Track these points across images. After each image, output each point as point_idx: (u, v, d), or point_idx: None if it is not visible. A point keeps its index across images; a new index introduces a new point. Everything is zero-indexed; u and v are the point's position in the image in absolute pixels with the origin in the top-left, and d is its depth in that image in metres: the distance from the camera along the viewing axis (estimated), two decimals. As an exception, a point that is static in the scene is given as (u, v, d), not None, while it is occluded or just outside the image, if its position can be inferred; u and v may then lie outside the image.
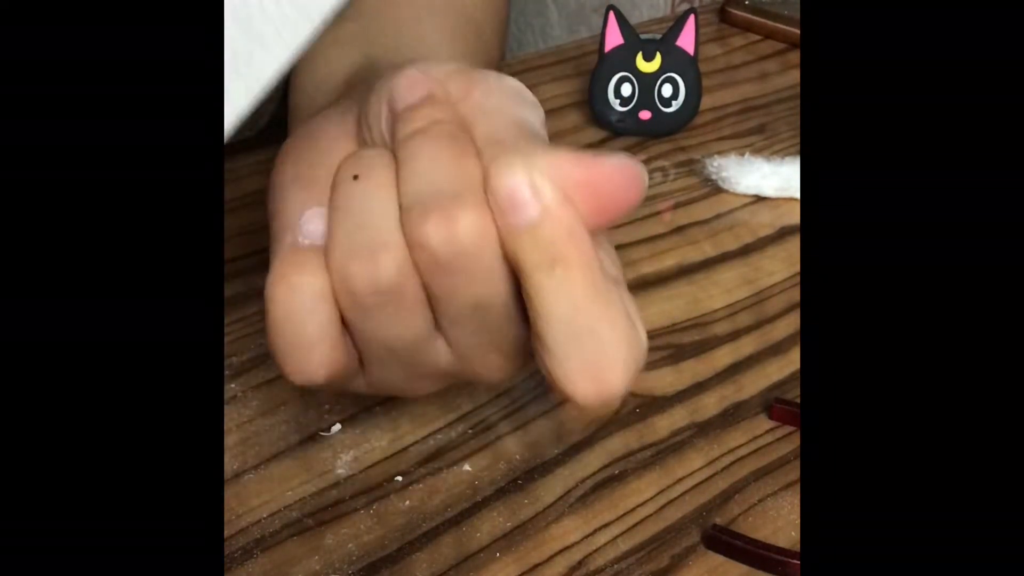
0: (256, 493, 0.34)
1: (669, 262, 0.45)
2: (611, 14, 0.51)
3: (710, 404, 0.38)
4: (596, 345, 0.24)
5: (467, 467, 0.35)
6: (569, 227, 0.24)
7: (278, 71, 0.23)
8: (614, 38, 0.52)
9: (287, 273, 0.25)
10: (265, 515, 0.33)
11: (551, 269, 0.24)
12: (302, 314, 0.25)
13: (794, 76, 0.60)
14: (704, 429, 0.37)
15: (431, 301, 0.26)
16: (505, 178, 0.24)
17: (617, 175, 0.24)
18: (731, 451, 0.36)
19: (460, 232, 0.24)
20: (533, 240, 0.24)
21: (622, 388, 0.25)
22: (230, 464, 0.34)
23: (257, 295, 0.41)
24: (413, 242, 0.25)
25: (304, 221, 0.26)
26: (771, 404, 0.38)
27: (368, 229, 0.25)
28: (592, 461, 0.36)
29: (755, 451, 0.36)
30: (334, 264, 0.25)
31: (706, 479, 0.35)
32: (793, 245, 0.46)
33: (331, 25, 0.37)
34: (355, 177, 0.26)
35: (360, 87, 0.31)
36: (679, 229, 0.47)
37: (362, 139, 0.29)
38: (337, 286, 0.25)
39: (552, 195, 0.24)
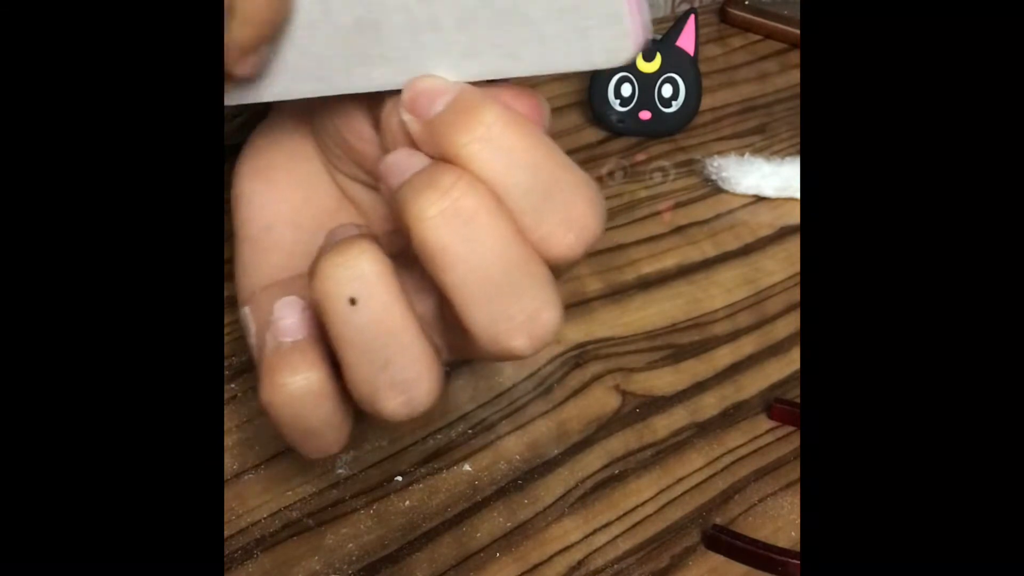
0: (256, 493, 0.34)
1: (669, 262, 0.45)
2: (611, 14, 0.51)
3: (710, 404, 0.38)
4: (567, 192, 0.23)
5: (467, 467, 0.35)
6: (482, 95, 0.23)
7: None
8: (614, 38, 0.52)
9: (279, 380, 0.24)
10: (265, 515, 0.33)
11: (489, 137, 0.22)
12: (305, 413, 0.25)
13: (794, 76, 0.60)
14: (704, 429, 0.37)
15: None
16: (413, 84, 0.24)
17: (517, 98, 0.24)
18: (731, 451, 0.36)
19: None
20: (458, 117, 0.23)
21: (599, 231, 0.23)
22: (230, 464, 0.34)
23: (257, 295, 0.41)
24: None
25: (278, 318, 0.25)
26: (771, 404, 0.38)
27: (382, 351, 0.23)
28: (592, 461, 0.36)
29: (755, 451, 0.36)
30: (358, 388, 0.24)
31: (706, 479, 0.35)
32: (793, 245, 0.46)
33: None
34: (352, 301, 0.23)
35: None
36: (679, 229, 0.47)
37: (317, 129, 0.29)
38: (365, 405, 0.24)
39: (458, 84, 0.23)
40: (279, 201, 0.29)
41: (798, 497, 0.34)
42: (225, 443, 0.35)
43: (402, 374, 0.23)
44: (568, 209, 0.23)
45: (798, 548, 0.33)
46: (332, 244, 0.23)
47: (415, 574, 0.32)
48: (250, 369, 0.38)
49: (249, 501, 0.33)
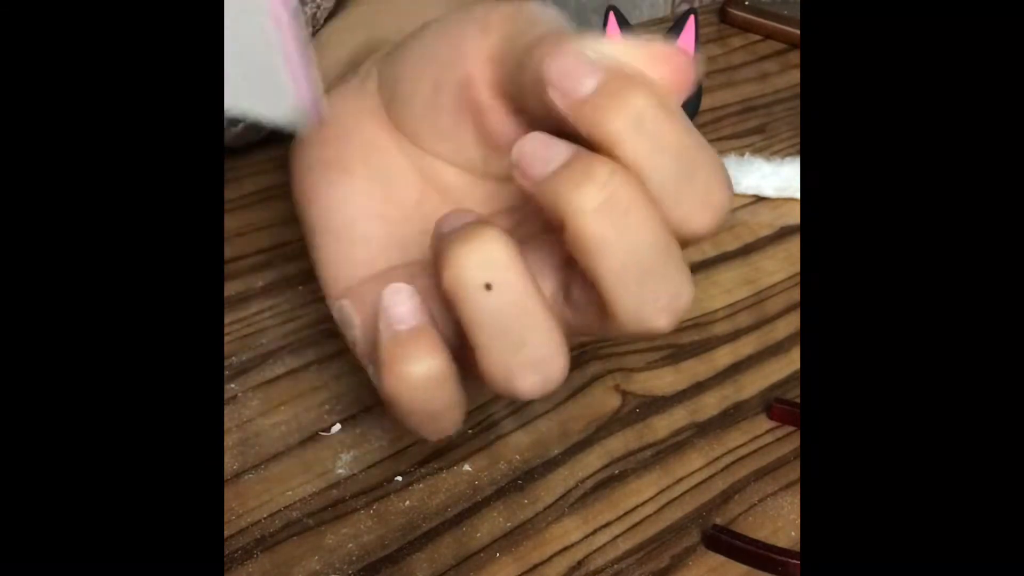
0: (256, 493, 0.34)
1: (669, 262, 0.45)
2: (611, 14, 0.51)
3: (710, 404, 0.38)
4: (705, 174, 0.24)
5: (467, 467, 0.35)
6: (631, 76, 0.23)
7: None
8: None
9: (403, 370, 0.25)
10: (265, 515, 0.33)
11: (639, 123, 0.23)
12: (430, 398, 0.25)
13: (794, 76, 0.60)
14: (704, 429, 0.37)
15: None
16: (557, 59, 0.24)
17: (667, 61, 0.24)
18: (731, 451, 0.36)
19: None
20: (609, 101, 0.23)
21: (730, 208, 0.25)
22: (230, 464, 0.34)
23: (257, 295, 0.41)
24: None
25: (389, 305, 0.25)
26: (771, 404, 0.38)
27: (517, 333, 0.24)
28: (592, 461, 0.36)
29: (755, 451, 0.36)
30: (493, 370, 0.24)
31: (706, 479, 0.35)
32: (793, 245, 0.46)
33: (337, 14, 0.37)
34: (487, 287, 0.23)
35: (366, 61, 0.31)
36: (679, 229, 0.47)
37: (394, 120, 0.29)
38: (500, 386, 0.25)
39: (608, 60, 0.24)
40: (360, 194, 0.29)
41: (798, 497, 0.34)
42: (225, 443, 0.35)
43: (537, 353, 0.24)
44: (707, 190, 0.24)
45: (798, 548, 0.33)
46: (454, 231, 0.24)
47: (415, 574, 0.32)
48: (250, 369, 0.38)
49: (249, 501, 0.33)
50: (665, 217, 0.23)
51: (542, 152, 0.24)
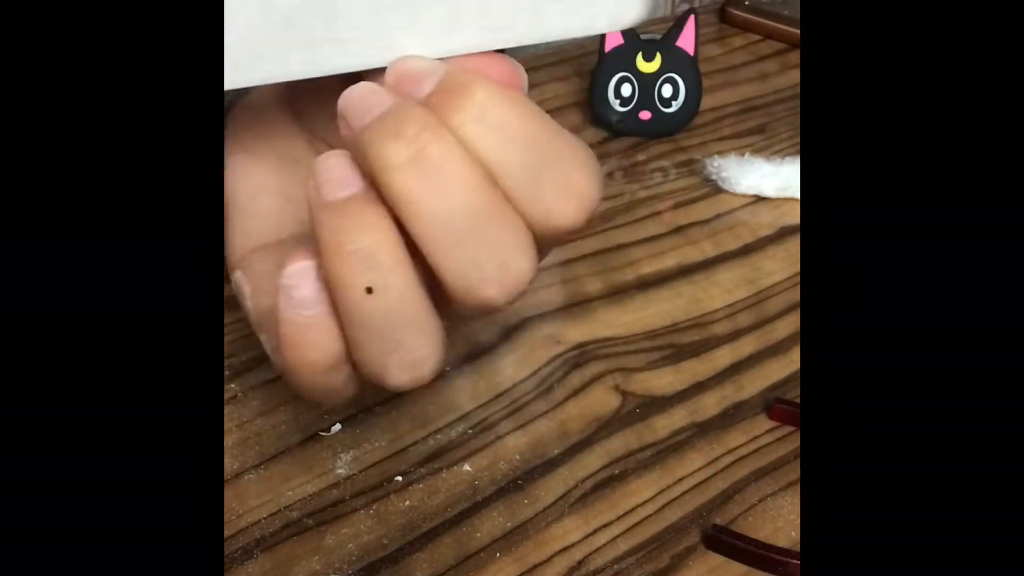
0: (256, 493, 0.34)
1: (669, 262, 0.45)
2: (611, 14, 0.51)
3: (710, 404, 0.38)
4: (564, 162, 0.23)
5: (467, 467, 0.35)
6: (470, 74, 0.23)
7: None
8: (614, 38, 0.52)
9: (299, 359, 0.24)
10: (265, 515, 0.33)
11: (482, 115, 0.22)
12: (323, 381, 0.25)
13: (794, 76, 0.60)
14: (704, 429, 0.37)
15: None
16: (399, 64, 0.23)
17: (488, 66, 0.24)
18: (731, 451, 0.36)
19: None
20: (449, 96, 0.22)
21: (599, 196, 0.23)
22: (230, 464, 0.34)
23: (257, 295, 0.41)
24: None
25: (291, 286, 0.24)
26: (771, 404, 0.38)
27: (394, 335, 0.23)
28: (592, 461, 0.36)
29: (755, 451, 0.36)
30: (365, 363, 0.24)
31: (706, 479, 0.35)
32: (793, 245, 0.46)
33: None
34: (368, 291, 0.23)
35: None
36: (679, 229, 0.47)
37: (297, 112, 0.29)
38: (369, 378, 0.24)
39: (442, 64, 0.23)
40: (264, 174, 0.29)
41: (798, 497, 0.34)
42: (225, 443, 0.35)
43: (412, 355, 0.24)
44: (567, 179, 0.23)
45: (798, 548, 0.33)
46: (338, 210, 0.23)
47: (415, 574, 0.32)
48: (250, 369, 0.38)
49: (249, 501, 0.33)
50: (527, 207, 0.23)
51: (364, 101, 0.22)
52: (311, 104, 0.28)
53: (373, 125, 0.22)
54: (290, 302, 0.24)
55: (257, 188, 0.29)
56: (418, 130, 0.22)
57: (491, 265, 0.23)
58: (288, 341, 0.24)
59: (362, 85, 0.23)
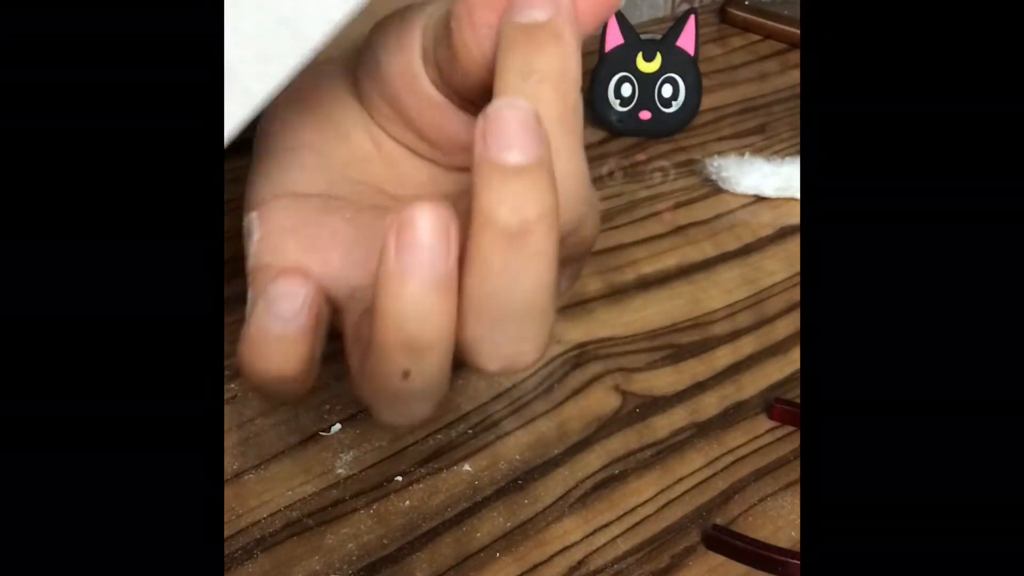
0: (256, 493, 0.34)
1: (669, 262, 0.45)
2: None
3: (710, 404, 0.38)
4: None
5: (467, 467, 0.35)
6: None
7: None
8: (614, 38, 0.52)
9: (258, 366, 0.24)
10: (265, 515, 0.33)
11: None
12: (280, 389, 0.25)
13: (794, 76, 0.60)
14: (704, 429, 0.37)
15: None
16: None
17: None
18: (731, 451, 0.36)
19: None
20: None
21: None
22: (230, 464, 0.34)
23: (257, 295, 0.41)
24: None
25: (276, 297, 0.24)
26: (771, 404, 0.38)
27: (409, 400, 0.24)
28: (592, 461, 0.36)
29: (755, 451, 0.36)
30: (364, 397, 0.24)
31: (706, 479, 0.35)
32: (793, 245, 0.46)
33: None
34: (405, 374, 0.22)
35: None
36: (679, 229, 0.47)
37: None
38: (363, 403, 0.25)
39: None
40: (308, 131, 0.29)
41: (798, 497, 0.34)
42: (225, 443, 0.35)
43: (415, 411, 0.24)
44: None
45: (798, 548, 0.33)
46: (393, 295, 0.21)
47: (415, 574, 0.32)
48: (250, 369, 0.38)
49: (249, 501, 0.33)
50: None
51: (510, 134, 0.21)
52: (375, 91, 0.28)
53: (504, 169, 0.21)
54: (268, 307, 0.24)
55: (297, 142, 0.29)
56: (538, 216, 0.21)
57: (511, 350, 0.23)
58: (251, 345, 0.24)
59: (521, 106, 0.21)
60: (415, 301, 0.21)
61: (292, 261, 0.26)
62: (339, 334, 0.28)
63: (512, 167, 0.21)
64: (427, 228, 0.21)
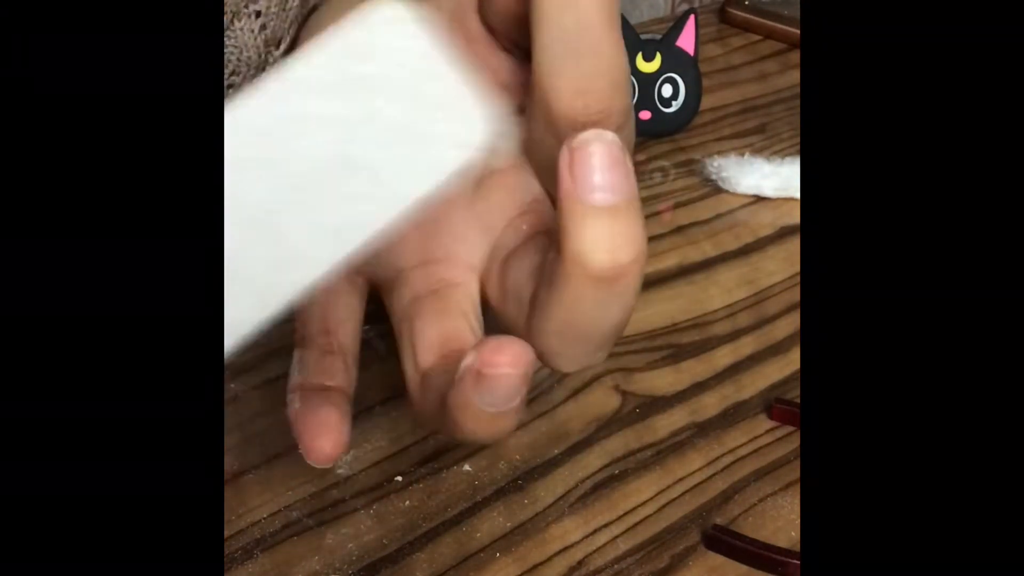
0: (256, 493, 0.34)
1: (669, 262, 0.45)
2: (611, 14, 0.51)
3: (710, 404, 0.38)
4: (593, 63, 0.21)
5: (467, 467, 0.35)
6: None
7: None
8: (614, 38, 0.52)
9: (311, 445, 0.27)
10: (265, 515, 0.33)
11: None
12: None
13: (794, 76, 0.60)
14: (704, 429, 0.37)
15: None
16: None
17: None
18: (731, 451, 0.36)
19: None
20: None
21: (611, 104, 0.22)
22: (230, 464, 0.34)
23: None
24: None
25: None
26: (771, 404, 0.38)
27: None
28: (592, 461, 0.36)
29: (755, 451, 0.36)
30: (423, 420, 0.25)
31: (706, 479, 0.35)
32: (793, 245, 0.46)
33: None
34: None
35: None
36: (679, 229, 0.47)
37: None
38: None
39: None
40: None
41: (798, 497, 0.34)
42: (225, 443, 0.35)
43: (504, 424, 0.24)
44: None
45: (798, 548, 0.33)
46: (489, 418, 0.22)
47: (415, 574, 0.32)
48: (250, 369, 0.38)
49: (249, 501, 0.33)
50: None
51: (599, 171, 0.20)
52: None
53: (598, 211, 0.20)
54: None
55: None
56: (632, 259, 0.21)
57: (589, 359, 0.24)
58: (303, 428, 0.27)
59: (611, 142, 0.21)
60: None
61: None
62: (384, 317, 0.28)
63: (605, 208, 0.20)
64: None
